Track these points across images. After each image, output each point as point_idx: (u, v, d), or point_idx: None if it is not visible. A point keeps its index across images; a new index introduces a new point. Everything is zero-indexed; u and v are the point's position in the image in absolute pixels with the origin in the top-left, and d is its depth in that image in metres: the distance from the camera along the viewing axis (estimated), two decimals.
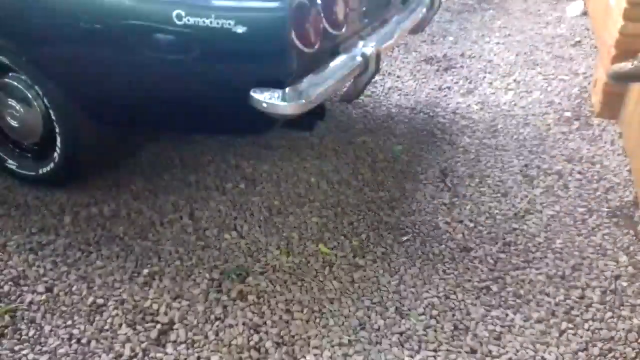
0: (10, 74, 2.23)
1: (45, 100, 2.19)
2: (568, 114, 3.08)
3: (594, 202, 2.44)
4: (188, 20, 1.84)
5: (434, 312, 1.94)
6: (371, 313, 1.93)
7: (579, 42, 3.92)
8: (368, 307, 1.95)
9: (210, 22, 1.83)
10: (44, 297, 1.95)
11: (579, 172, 2.62)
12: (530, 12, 4.47)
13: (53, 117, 2.21)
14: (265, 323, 1.88)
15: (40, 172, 2.34)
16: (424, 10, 2.70)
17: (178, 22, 1.85)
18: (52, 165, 2.30)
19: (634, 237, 2.24)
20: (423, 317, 1.92)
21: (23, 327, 1.85)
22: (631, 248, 2.20)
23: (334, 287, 2.02)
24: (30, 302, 1.93)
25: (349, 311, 1.94)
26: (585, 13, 4.36)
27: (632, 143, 2.70)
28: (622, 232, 2.27)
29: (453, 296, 2.00)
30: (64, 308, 1.92)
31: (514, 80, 3.43)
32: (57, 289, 1.98)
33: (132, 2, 1.92)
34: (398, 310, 1.94)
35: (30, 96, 2.21)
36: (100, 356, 1.76)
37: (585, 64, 3.59)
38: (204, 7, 1.85)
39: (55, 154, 2.27)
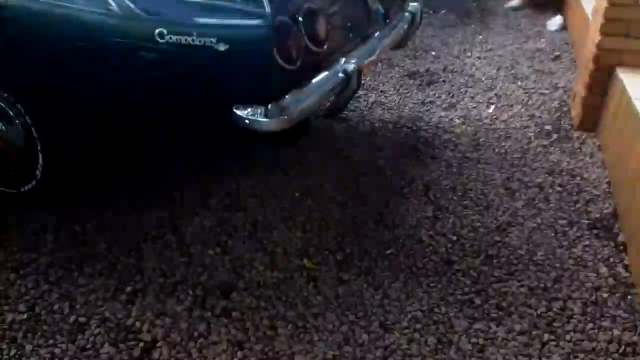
0: None
1: (27, 118, 2.18)
2: (548, 127, 3.12)
3: (575, 214, 2.47)
4: (170, 39, 1.86)
5: (418, 326, 1.94)
6: (355, 328, 1.93)
7: (559, 56, 3.98)
8: (352, 322, 1.95)
9: (193, 40, 1.84)
10: (25, 316, 1.93)
11: (560, 185, 2.66)
12: (511, 27, 4.54)
13: (35, 135, 2.20)
14: (249, 339, 1.88)
15: (22, 189, 2.33)
16: (406, 26, 2.73)
17: (160, 40, 1.87)
18: (34, 182, 2.29)
19: (614, 248, 2.27)
20: (407, 331, 1.93)
21: (4, 346, 1.83)
22: (611, 259, 2.22)
23: (318, 302, 2.02)
24: (12, 322, 1.91)
25: (333, 326, 1.94)
26: (564, 27, 4.44)
27: (611, 155, 2.74)
28: (602, 244, 2.30)
29: (437, 309, 2.01)
30: (45, 327, 1.90)
31: (495, 95, 3.47)
32: (39, 308, 1.96)
33: (114, 20, 1.93)
34: (382, 324, 1.95)
35: (11, 114, 2.20)
36: None
37: (565, 77, 3.65)
38: (186, 25, 1.87)
39: (37, 172, 2.26)
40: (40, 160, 2.23)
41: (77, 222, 2.33)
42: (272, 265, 2.16)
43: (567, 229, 2.39)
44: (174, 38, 1.85)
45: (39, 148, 2.21)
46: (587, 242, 2.31)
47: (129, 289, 2.04)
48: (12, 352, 1.81)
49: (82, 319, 1.92)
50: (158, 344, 1.85)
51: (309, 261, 2.19)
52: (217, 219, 2.38)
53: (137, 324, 1.92)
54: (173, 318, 1.94)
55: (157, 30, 1.86)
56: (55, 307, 1.97)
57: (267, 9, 1.82)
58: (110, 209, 2.41)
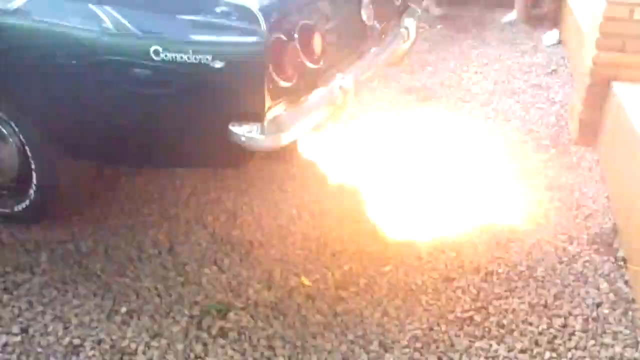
0: None
1: (21, 137, 2.17)
2: (546, 141, 3.12)
3: (574, 230, 2.45)
4: (166, 56, 1.85)
5: (418, 345, 1.92)
6: (354, 347, 1.91)
7: (555, 70, 3.99)
8: (351, 341, 1.93)
9: (188, 58, 1.83)
10: (19, 338, 1.90)
11: (559, 200, 2.64)
12: (507, 42, 4.55)
13: (29, 154, 2.18)
14: None
15: (16, 209, 2.31)
16: (402, 42, 2.73)
17: (156, 58, 1.86)
18: (27, 202, 2.27)
19: (614, 264, 2.25)
20: (407, 350, 1.90)
21: None
22: (611, 275, 2.20)
23: (316, 321, 2.00)
24: (5, 344, 1.88)
25: (332, 345, 1.91)
26: (560, 42, 4.45)
27: (610, 169, 2.73)
28: (602, 259, 2.28)
29: (436, 327, 1.98)
30: (39, 349, 1.87)
31: (493, 109, 3.47)
32: (33, 330, 1.93)
33: (110, 38, 1.92)
34: (381, 343, 1.92)
35: (5, 132, 2.19)
36: None
37: (562, 92, 3.65)
38: (181, 43, 1.86)
39: (31, 191, 2.24)
40: (34, 180, 2.21)
41: (71, 241, 2.30)
42: (269, 284, 2.14)
43: (567, 244, 2.37)
44: (170, 55, 1.84)
45: (32, 167, 2.20)
46: (587, 258, 2.29)
47: (124, 309, 2.01)
48: None
49: (76, 341, 1.89)
50: None
51: (307, 279, 2.17)
52: (213, 237, 2.35)
53: (133, 345, 1.88)
54: (169, 339, 1.91)
55: (152, 48, 1.85)
56: (49, 328, 1.94)
57: (263, 26, 1.82)
58: (105, 227, 2.38)
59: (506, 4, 5.04)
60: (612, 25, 2.78)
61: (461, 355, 1.88)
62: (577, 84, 3.21)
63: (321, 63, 2.09)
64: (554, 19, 4.79)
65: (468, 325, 1.99)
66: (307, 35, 2.01)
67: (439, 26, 4.86)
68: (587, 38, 3.14)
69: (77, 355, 1.85)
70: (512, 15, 4.94)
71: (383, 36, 2.66)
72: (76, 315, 1.99)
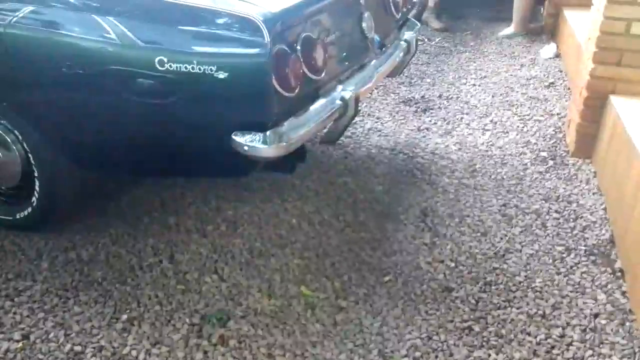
0: None
1: (25, 145, 2.19)
2: (544, 153, 3.15)
3: (572, 241, 2.47)
4: (170, 66, 1.87)
5: (417, 354, 1.93)
6: (354, 356, 1.92)
7: (553, 83, 4.03)
8: (351, 350, 1.94)
9: (192, 68, 1.86)
10: (20, 345, 1.91)
11: (556, 211, 2.67)
12: (505, 55, 4.60)
13: (32, 162, 2.20)
14: None
15: (18, 216, 2.32)
16: (401, 54, 2.77)
17: (160, 68, 1.88)
18: (30, 209, 2.28)
19: (611, 275, 2.27)
20: (406, 359, 1.91)
21: None
22: (609, 286, 2.22)
23: (316, 330, 2.01)
24: (6, 351, 1.89)
25: (332, 354, 1.92)
26: (558, 55, 4.50)
27: (607, 181, 2.76)
28: (599, 270, 2.30)
29: (436, 337, 2.00)
30: (40, 356, 1.87)
31: (491, 121, 3.50)
32: (34, 337, 1.94)
33: (115, 48, 1.94)
34: (381, 352, 1.93)
35: (9, 140, 2.20)
36: None
37: (560, 104, 3.69)
38: (186, 53, 1.88)
39: (34, 199, 2.25)
40: (37, 187, 2.23)
41: (72, 249, 2.31)
42: (269, 293, 2.15)
43: (564, 255, 2.39)
44: (174, 66, 1.87)
45: (35, 175, 2.21)
46: (584, 269, 2.31)
47: (124, 317, 2.02)
48: None
49: (77, 348, 1.90)
50: None
51: (307, 288, 2.18)
52: (213, 246, 2.37)
53: (134, 352, 1.89)
54: (169, 347, 1.92)
55: (157, 58, 1.88)
56: (51, 335, 1.95)
57: (266, 38, 1.85)
58: (106, 236, 2.39)
59: (504, 17, 5.11)
60: (609, 39, 2.82)
61: None
62: (575, 97, 3.24)
63: (323, 74, 2.12)
64: (552, 32, 4.84)
65: (467, 335, 2.01)
66: (309, 47, 2.03)
67: (437, 39, 4.91)
68: (584, 52, 3.18)
69: None
70: (509, 29, 4.99)
71: (383, 48, 2.69)
72: (77, 322, 2.00)
